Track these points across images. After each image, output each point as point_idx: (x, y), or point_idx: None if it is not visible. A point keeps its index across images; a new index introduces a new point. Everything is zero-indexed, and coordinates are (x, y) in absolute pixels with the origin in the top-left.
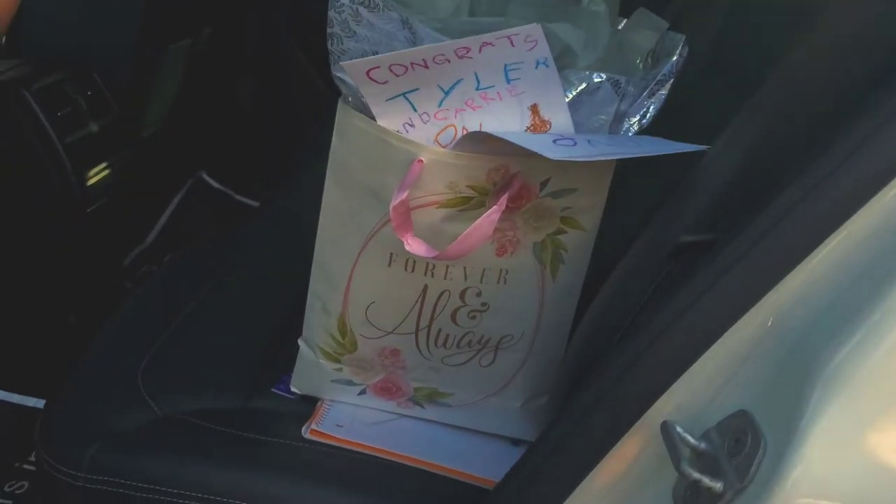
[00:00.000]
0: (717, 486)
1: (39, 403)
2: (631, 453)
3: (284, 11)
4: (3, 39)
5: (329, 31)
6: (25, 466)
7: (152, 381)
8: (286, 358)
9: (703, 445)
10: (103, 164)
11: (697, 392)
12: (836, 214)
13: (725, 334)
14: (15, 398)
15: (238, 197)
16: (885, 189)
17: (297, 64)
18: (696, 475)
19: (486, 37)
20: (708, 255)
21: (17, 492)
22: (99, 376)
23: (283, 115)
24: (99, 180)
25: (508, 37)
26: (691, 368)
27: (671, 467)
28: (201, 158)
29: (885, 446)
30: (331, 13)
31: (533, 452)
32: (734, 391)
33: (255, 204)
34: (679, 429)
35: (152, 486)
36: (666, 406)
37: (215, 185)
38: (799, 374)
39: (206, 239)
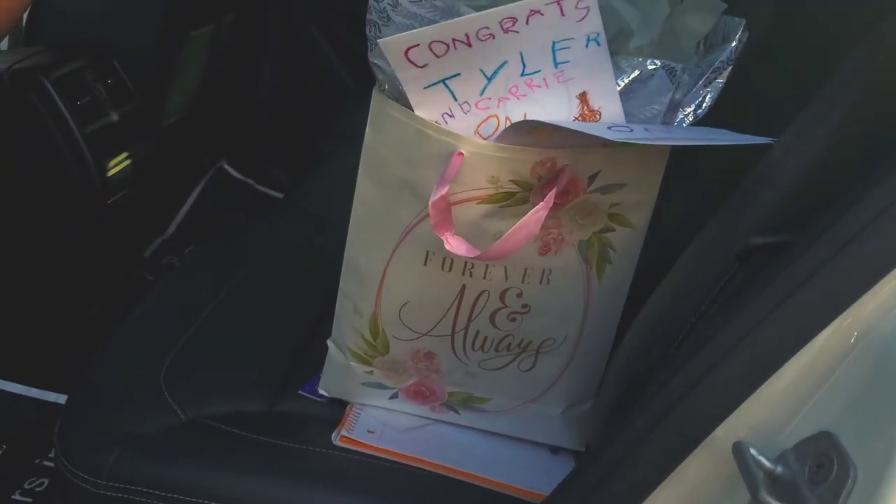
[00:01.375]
0: None
1: (60, 398)
2: (695, 476)
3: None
4: (23, 26)
5: (368, 17)
6: (45, 463)
7: (175, 384)
8: (314, 359)
9: (779, 469)
10: (124, 155)
11: (772, 411)
12: None
13: (804, 348)
14: (34, 392)
15: (259, 187)
16: None
17: (320, 51)
18: (774, 503)
19: (533, 3)
20: (783, 259)
21: (38, 489)
22: (119, 378)
23: (306, 103)
24: (119, 171)
25: (558, 3)
26: (765, 385)
27: (740, 493)
28: (222, 148)
29: None
30: (371, 0)
31: (584, 472)
32: (815, 411)
33: (277, 194)
34: (753, 451)
35: (175, 496)
36: (736, 426)
37: (236, 175)
38: (892, 393)
39: (228, 232)
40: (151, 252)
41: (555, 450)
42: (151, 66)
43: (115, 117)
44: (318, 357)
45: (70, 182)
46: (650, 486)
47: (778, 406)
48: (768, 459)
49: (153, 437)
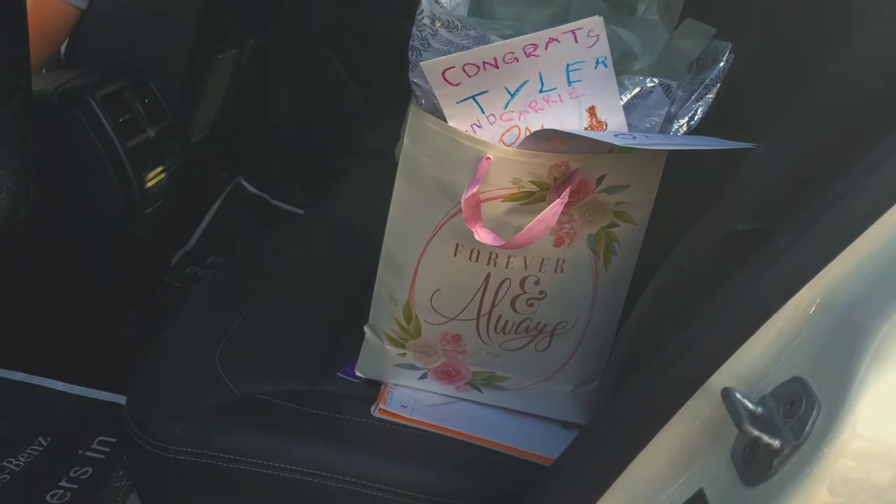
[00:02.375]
0: (776, 443)
1: (100, 395)
2: (692, 419)
3: (323, 23)
4: (63, 50)
5: (410, 44)
6: (88, 454)
7: (229, 365)
8: (349, 346)
9: (759, 409)
10: (160, 168)
11: (754, 363)
12: (880, 204)
13: (777, 312)
14: (75, 389)
15: (274, 201)
16: None
17: (334, 72)
18: (756, 433)
19: (552, 32)
20: (760, 242)
21: (82, 477)
22: (180, 360)
23: (319, 122)
24: (156, 182)
25: (573, 31)
26: (748, 342)
27: (729, 431)
28: (240, 164)
29: None
30: (413, 29)
31: (599, 422)
32: (788, 361)
33: (291, 208)
34: (738, 395)
35: (235, 457)
36: (725, 376)
37: (252, 190)
38: (850, 345)
39: (262, 237)
40: (175, 262)
41: (565, 425)
42: (181, 87)
43: (151, 133)
44: (353, 344)
45: (113, 192)
46: (654, 430)
47: (758, 359)
48: (751, 402)
49: (214, 409)
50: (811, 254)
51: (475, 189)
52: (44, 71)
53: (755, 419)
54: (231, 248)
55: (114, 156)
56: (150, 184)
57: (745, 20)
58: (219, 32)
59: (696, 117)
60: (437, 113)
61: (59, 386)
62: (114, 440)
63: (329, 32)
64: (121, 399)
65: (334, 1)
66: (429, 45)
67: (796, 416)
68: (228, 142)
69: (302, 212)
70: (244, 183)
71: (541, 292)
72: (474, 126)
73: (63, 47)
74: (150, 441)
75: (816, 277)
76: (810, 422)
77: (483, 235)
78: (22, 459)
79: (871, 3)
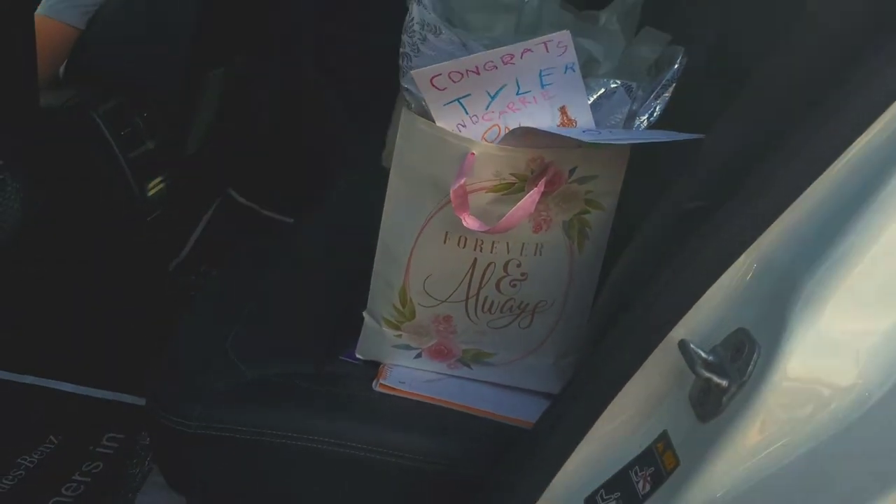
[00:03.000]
0: (724, 382)
1: (107, 395)
2: (654, 370)
3: (309, 37)
4: (62, 71)
5: (401, 51)
6: (99, 449)
7: (239, 351)
8: (348, 333)
9: (711, 357)
10: (159, 178)
11: (706, 318)
12: (803, 181)
13: (724, 274)
14: (83, 390)
15: (264, 211)
16: (834, 163)
17: (319, 86)
18: (708, 374)
19: (527, 44)
20: (708, 216)
21: (94, 471)
22: (196, 348)
23: (305, 134)
24: (156, 192)
25: (544, 43)
26: (700, 300)
27: (686, 378)
28: (230, 175)
29: (849, 342)
30: (404, 37)
31: (572, 381)
32: (734, 315)
33: (280, 218)
34: (693, 345)
35: (253, 429)
36: (681, 331)
37: (242, 200)
38: (782, 298)
39: (263, 239)
40: (170, 270)
41: (547, 395)
42: (176, 102)
43: (151, 145)
44: (352, 331)
45: (117, 201)
46: (621, 382)
47: (709, 315)
48: (704, 352)
49: (229, 390)
50: (749, 223)
51: (462, 181)
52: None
53: (708, 365)
54: (223, 257)
55: (116, 167)
56: (150, 192)
57: (694, 31)
58: (211, 50)
59: (655, 114)
60: (426, 115)
61: (67, 387)
62: (122, 436)
63: (314, 46)
64: (127, 398)
65: (319, 16)
66: (419, 51)
67: (741, 360)
68: (220, 154)
69: (292, 220)
70: (234, 194)
71: (522, 274)
72: (459, 126)
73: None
74: (173, 419)
75: (755, 244)
76: (752, 363)
77: (470, 222)
78: (36, 457)
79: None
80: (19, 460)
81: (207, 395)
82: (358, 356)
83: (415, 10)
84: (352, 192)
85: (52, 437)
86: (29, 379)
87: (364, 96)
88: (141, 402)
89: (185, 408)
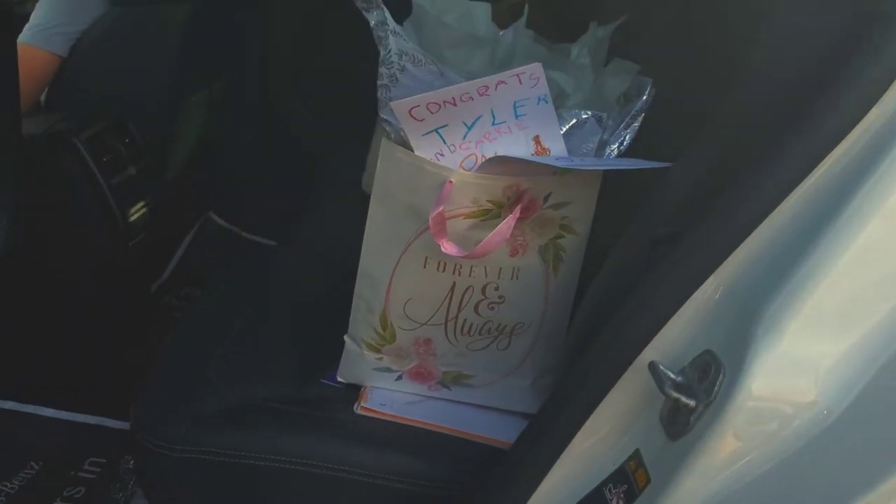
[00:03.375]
0: (692, 402)
1: (88, 419)
2: (626, 391)
3: (287, 62)
4: (44, 97)
5: (379, 83)
6: (80, 474)
7: (222, 375)
8: (328, 357)
9: (680, 378)
10: (141, 203)
11: (674, 340)
12: (765, 209)
13: (691, 298)
14: (64, 415)
15: (244, 234)
16: (795, 190)
17: (297, 111)
18: (676, 395)
19: (501, 76)
20: (677, 242)
21: (76, 496)
22: (179, 373)
23: (284, 158)
24: (139, 217)
25: (517, 75)
26: (668, 323)
27: (657, 398)
28: (211, 199)
29: (809, 362)
30: (381, 69)
31: (549, 403)
32: (701, 337)
33: (261, 240)
34: (662, 367)
35: (236, 452)
36: (651, 353)
37: (223, 223)
38: (747, 320)
39: (244, 264)
40: (152, 293)
41: (525, 415)
42: (158, 127)
43: (133, 171)
44: (333, 355)
45: (100, 227)
46: (595, 403)
47: (678, 337)
48: (673, 373)
49: (212, 413)
50: (714, 249)
51: (440, 208)
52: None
53: (676, 385)
54: (204, 280)
55: (99, 193)
56: (132, 218)
57: (664, 58)
58: (191, 75)
59: (625, 143)
60: (405, 144)
61: (48, 412)
62: (104, 461)
63: (292, 70)
64: (108, 422)
65: (296, 42)
66: (397, 81)
67: (707, 380)
68: (200, 177)
69: (273, 243)
70: (214, 217)
71: (500, 297)
72: (437, 155)
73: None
74: (157, 442)
75: (719, 269)
76: (718, 384)
77: (449, 248)
78: (16, 482)
79: (762, 34)
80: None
81: (191, 419)
82: (339, 379)
83: (392, 42)
84: (332, 215)
85: (32, 462)
86: (9, 405)
87: (345, 118)
88: (123, 425)
89: (168, 431)
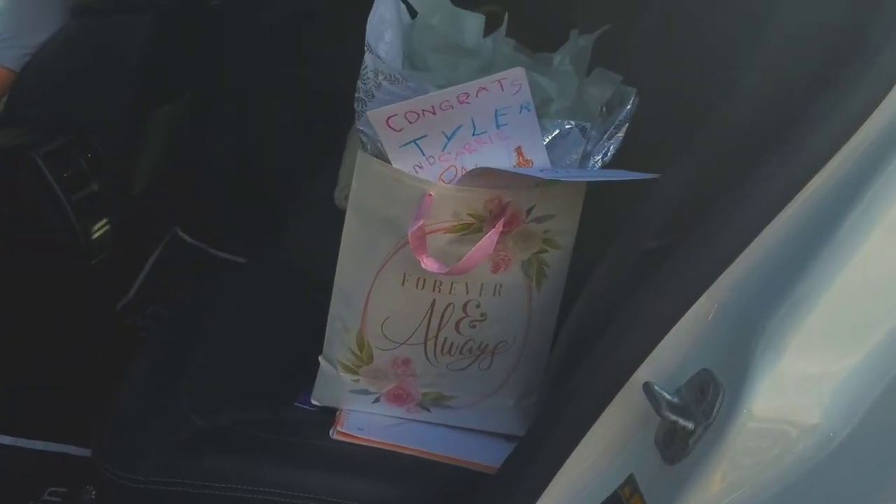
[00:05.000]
0: (690, 425)
1: (48, 446)
2: (619, 413)
3: (260, 75)
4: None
5: (356, 96)
6: None
7: (192, 400)
8: (303, 378)
9: (676, 399)
10: (104, 220)
11: (669, 359)
12: (761, 221)
13: (686, 314)
14: (22, 443)
15: (212, 251)
16: (791, 203)
17: (271, 124)
18: (674, 417)
19: (481, 81)
20: (667, 257)
21: None
22: (145, 398)
23: (257, 172)
24: (101, 235)
25: (499, 81)
26: (663, 341)
27: (652, 420)
28: (178, 215)
29: (812, 383)
30: (359, 83)
31: (536, 425)
32: (698, 356)
33: (231, 258)
34: (657, 387)
35: (204, 482)
36: (645, 372)
37: (191, 240)
38: (745, 339)
39: (213, 280)
40: (116, 312)
41: (509, 437)
42: (122, 142)
43: (95, 187)
44: (307, 376)
45: (60, 245)
46: (587, 426)
47: (672, 356)
48: (668, 393)
49: (180, 441)
50: (709, 264)
51: (420, 223)
52: None
53: (672, 407)
54: (170, 297)
55: (60, 210)
56: (95, 235)
57: (647, 66)
58: (156, 88)
59: (609, 154)
60: (382, 156)
61: (5, 440)
62: (65, 490)
63: (263, 86)
64: (70, 449)
65: (271, 55)
66: (373, 97)
67: (705, 402)
68: (166, 193)
69: (242, 260)
70: (181, 233)
71: (482, 315)
72: (416, 167)
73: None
74: (120, 475)
75: (715, 284)
76: (717, 405)
77: (429, 264)
78: None
79: (755, 41)
80: None
81: (157, 447)
82: (314, 402)
83: (368, 60)
84: (305, 230)
85: None
86: None
87: (318, 132)
88: (86, 453)
89: (133, 460)
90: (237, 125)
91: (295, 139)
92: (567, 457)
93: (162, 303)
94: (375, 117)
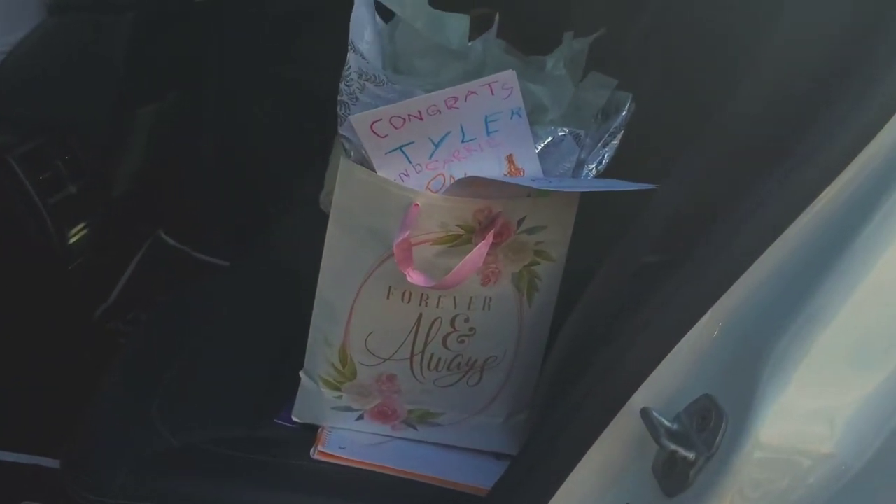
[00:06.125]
0: (691, 455)
1: (21, 458)
2: (614, 439)
3: (246, 76)
4: None
5: (339, 99)
6: None
7: (165, 416)
8: (283, 393)
9: (675, 426)
10: (82, 224)
11: (668, 383)
12: (767, 237)
13: (686, 335)
14: None
15: (196, 254)
16: (800, 217)
17: (257, 125)
18: (673, 447)
19: (470, 85)
20: (666, 273)
21: None
22: (116, 413)
23: (242, 174)
24: (79, 239)
25: (489, 84)
26: (661, 364)
27: (649, 448)
28: (160, 218)
29: (821, 412)
30: (342, 85)
31: (528, 449)
32: (698, 380)
33: (214, 261)
34: (655, 413)
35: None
36: (643, 397)
37: (173, 243)
38: (750, 362)
39: (191, 287)
40: (97, 317)
41: (498, 456)
42: (103, 142)
43: (73, 189)
44: (287, 391)
45: (35, 249)
46: (581, 453)
47: (672, 380)
48: (667, 419)
49: (152, 459)
50: (711, 282)
51: (406, 234)
52: None
53: (672, 435)
54: (152, 302)
55: (35, 213)
56: (72, 240)
57: (643, 71)
58: (139, 88)
59: (604, 162)
60: (367, 164)
61: None
62: None
63: (251, 85)
64: (45, 461)
65: (257, 55)
66: (357, 100)
67: (707, 430)
68: (149, 195)
69: (226, 263)
70: (164, 236)
71: (470, 329)
72: (402, 175)
73: None
74: (87, 496)
75: (718, 303)
76: (720, 434)
77: (415, 277)
78: None
79: (759, 43)
80: None
81: (128, 465)
82: (294, 419)
83: (351, 59)
84: (293, 231)
85: None
86: None
87: (304, 133)
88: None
89: (103, 479)
90: (223, 125)
91: (283, 139)
92: (560, 484)
93: (144, 308)
94: (359, 122)
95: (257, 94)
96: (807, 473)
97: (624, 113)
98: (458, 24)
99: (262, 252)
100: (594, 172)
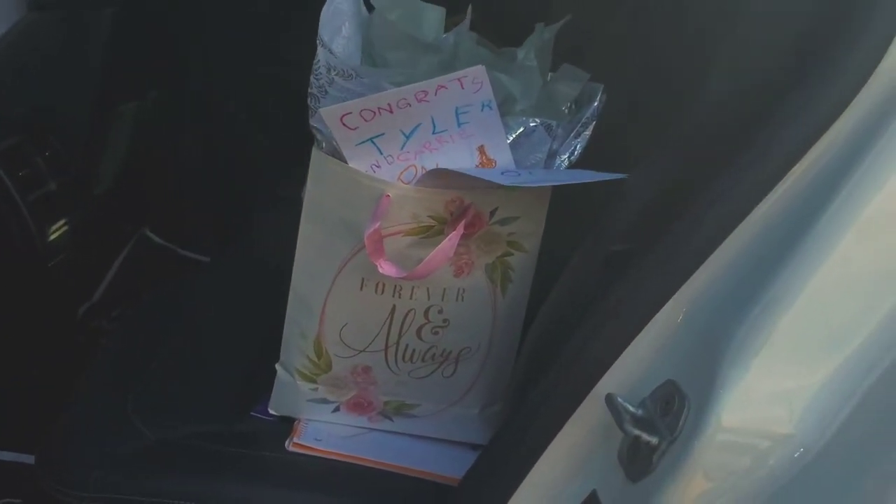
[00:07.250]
0: (654, 440)
1: (3, 455)
2: (581, 426)
3: (229, 72)
4: None
5: (309, 91)
6: None
7: (141, 412)
8: (260, 387)
9: (640, 411)
10: (62, 221)
11: (633, 370)
12: (729, 224)
13: (650, 322)
14: None
15: (181, 251)
16: (760, 204)
17: (239, 121)
18: (637, 432)
19: (440, 79)
20: (634, 261)
21: None
22: (92, 410)
23: (225, 170)
24: (59, 236)
25: (459, 79)
26: (626, 351)
27: (615, 434)
28: (145, 215)
29: (781, 395)
30: (311, 78)
31: (498, 438)
32: (662, 366)
33: (199, 257)
34: (620, 399)
35: (154, 499)
36: (608, 384)
37: (158, 240)
38: (712, 348)
39: (171, 284)
40: (80, 316)
41: (474, 447)
42: (83, 139)
43: (53, 186)
44: (264, 385)
45: (13, 246)
46: (548, 439)
47: (636, 366)
48: (632, 405)
49: (128, 455)
50: (675, 270)
51: (377, 225)
52: None
53: (636, 420)
54: (138, 300)
55: (14, 209)
56: (52, 237)
57: (619, 62)
58: (120, 85)
59: (576, 153)
60: (338, 155)
61: None
62: (19, 501)
63: (234, 82)
64: (24, 458)
65: (240, 52)
66: (326, 93)
67: (671, 414)
68: (133, 193)
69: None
70: (149, 234)
71: (444, 321)
72: (373, 166)
73: None
74: (63, 490)
75: (680, 290)
76: (682, 418)
77: (387, 268)
78: None
79: (725, 34)
80: None
81: (104, 461)
82: (271, 412)
83: (320, 54)
84: (272, 231)
85: None
86: None
87: (287, 130)
88: None
89: (78, 475)
90: (207, 123)
91: (266, 137)
92: (528, 472)
93: (128, 306)
94: (329, 115)
95: (240, 91)
96: (767, 454)
97: (595, 104)
98: (433, 15)
99: (244, 248)
100: (566, 163)
